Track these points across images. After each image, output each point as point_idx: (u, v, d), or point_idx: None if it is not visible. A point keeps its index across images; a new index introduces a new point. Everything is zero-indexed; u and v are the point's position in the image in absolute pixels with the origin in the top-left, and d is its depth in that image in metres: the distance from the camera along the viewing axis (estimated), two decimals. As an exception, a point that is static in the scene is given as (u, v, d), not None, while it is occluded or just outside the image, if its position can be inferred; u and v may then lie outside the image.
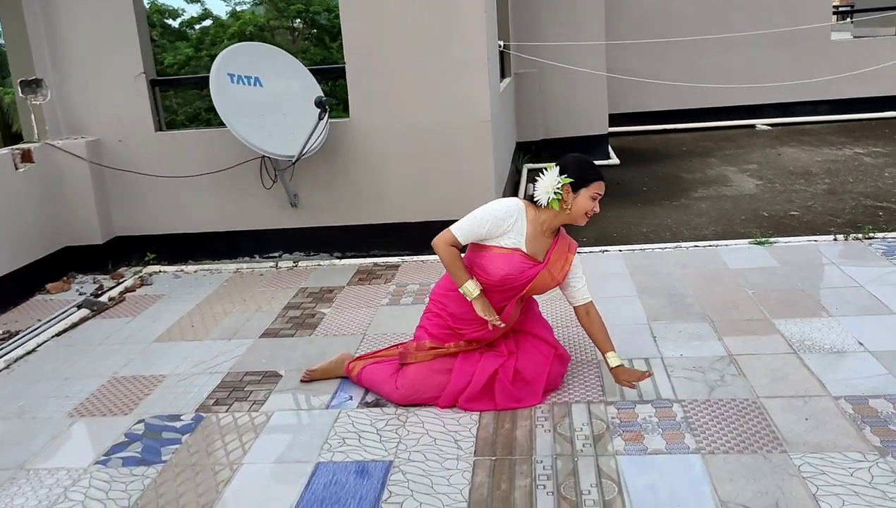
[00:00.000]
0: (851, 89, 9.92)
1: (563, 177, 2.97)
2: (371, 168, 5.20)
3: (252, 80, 4.78)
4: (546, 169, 3.03)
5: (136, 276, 5.19)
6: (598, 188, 2.99)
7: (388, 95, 5.06)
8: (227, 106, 4.57)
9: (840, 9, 13.31)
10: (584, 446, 2.76)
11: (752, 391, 3.06)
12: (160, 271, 5.33)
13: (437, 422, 3.02)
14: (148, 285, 5.08)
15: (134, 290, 4.98)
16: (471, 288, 2.99)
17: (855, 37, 12.19)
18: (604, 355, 3.12)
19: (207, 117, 12.42)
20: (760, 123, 10.17)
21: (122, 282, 5.09)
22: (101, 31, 5.17)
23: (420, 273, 4.91)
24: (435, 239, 3.03)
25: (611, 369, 3.07)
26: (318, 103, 4.56)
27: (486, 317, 3.01)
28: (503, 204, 3.03)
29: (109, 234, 5.39)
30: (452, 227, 3.02)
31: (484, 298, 3.02)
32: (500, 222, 2.98)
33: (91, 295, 4.89)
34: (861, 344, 3.40)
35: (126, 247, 5.45)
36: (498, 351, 3.18)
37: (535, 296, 3.35)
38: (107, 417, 3.28)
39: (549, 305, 4.12)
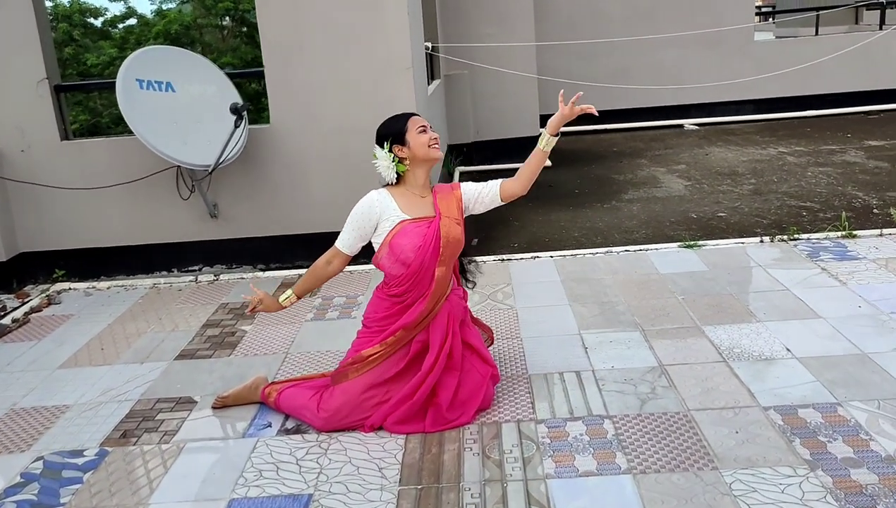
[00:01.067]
0: (774, 89, 10.13)
1: (386, 146, 2.99)
2: (294, 175, 5.00)
3: (164, 86, 4.53)
4: (374, 155, 3.04)
5: (44, 295, 4.87)
6: (414, 124, 2.99)
7: (309, 99, 4.87)
8: (137, 113, 4.31)
9: (763, 9, 13.62)
10: (513, 470, 2.65)
11: (682, 403, 3.00)
12: (70, 289, 5.02)
13: (360, 448, 2.87)
14: (56, 304, 4.77)
15: (40, 310, 4.67)
16: (287, 294, 3.17)
17: (777, 37, 12.50)
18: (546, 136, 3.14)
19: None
20: (688, 123, 10.31)
21: (28, 302, 4.77)
22: (2, 37, 4.82)
23: (347, 285, 4.74)
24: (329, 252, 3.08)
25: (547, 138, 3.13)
26: (234, 109, 4.34)
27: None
28: (362, 200, 3.00)
29: (13, 250, 5.05)
30: (340, 240, 3.04)
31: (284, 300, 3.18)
32: (366, 215, 2.96)
33: (-8, 316, 4.56)
34: (788, 350, 3.38)
35: (32, 264, 5.12)
36: (438, 364, 2.96)
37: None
38: (2, 455, 3.01)
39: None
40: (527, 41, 8.22)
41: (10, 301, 4.84)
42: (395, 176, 3.00)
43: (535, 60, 8.43)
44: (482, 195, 3.09)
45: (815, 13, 10.82)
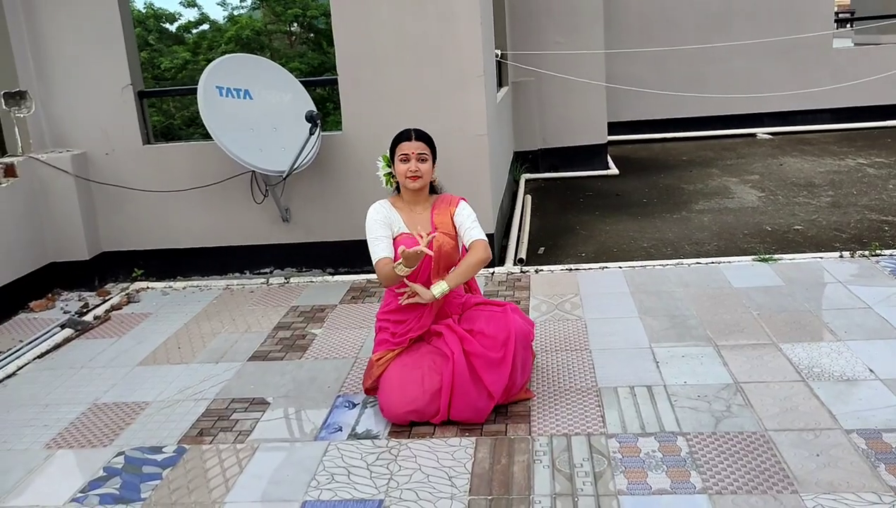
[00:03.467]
0: (852, 98, 9.80)
1: (384, 156, 3.29)
2: (364, 181, 5.05)
3: (242, 93, 4.65)
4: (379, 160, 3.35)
5: (123, 293, 5.05)
6: (400, 150, 3.17)
7: (381, 108, 4.93)
8: (216, 120, 4.44)
9: (840, 16, 13.20)
10: (584, 484, 2.62)
11: (759, 423, 2.92)
12: (148, 288, 5.19)
13: (430, 456, 2.88)
14: (135, 302, 4.94)
15: (120, 308, 4.84)
16: (397, 267, 3.04)
17: (856, 44, 12.08)
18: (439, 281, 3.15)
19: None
20: (761, 132, 10.05)
21: (109, 300, 4.95)
22: (86, 42, 5.04)
23: (415, 290, 4.76)
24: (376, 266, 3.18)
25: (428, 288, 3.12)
26: (309, 118, 4.43)
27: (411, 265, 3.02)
28: (371, 212, 3.23)
29: (96, 250, 5.25)
30: (373, 255, 3.19)
31: (405, 262, 3.02)
32: (377, 223, 3.18)
33: (76, 313, 4.75)
34: (872, 371, 3.27)
35: (113, 263, 5.31)
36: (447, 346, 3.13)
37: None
38: (85, 449, 3.13)
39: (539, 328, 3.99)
40: (596, 48, 8.15)
41: (92, 298, 5.03)
42: (385, 186, 3.30)
43: (604, 68, 8.35)
44: (462, 233, 3.23)
45: (894, 21, 10.43)
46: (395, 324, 3.28)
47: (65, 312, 4.81)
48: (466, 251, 3.23)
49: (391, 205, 3.25)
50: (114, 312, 4.77)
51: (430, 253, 2.99)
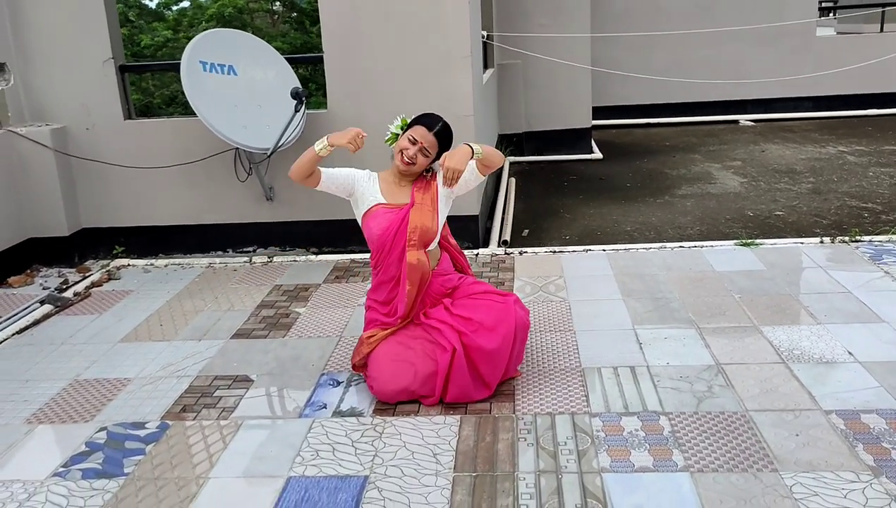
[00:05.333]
0: (834, 86, 9.88)
1: (403, 120, 3.29)
2: (350, 160, 5.00)
3: (226, 69, 4.59)
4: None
5: (104, 270, 5.00)
6: (414, 132, 3.14)
7: (367, 86, 4.90)
8: (200, 95, 4.38)
9: (823, 4, 13.26)
10: (567, 462, 2.65)
11: (740, 403, 2.96)
12: (129, 265, 5.14)
13: (415, 434, 2.89)
14: (116, 279, 4.89)
15: (101, 285, 4.79)
16: (317, 145, 3.09)
17: (838, 33, 12.16)
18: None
19: (184, 100, 12.15)
20: (744, 119, 10.11)
21: (89, 276, 4.90)
22: (67, 14, 4.94)
23: (399, 271, 4.76)
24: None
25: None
26: (295, 94, 4.38)
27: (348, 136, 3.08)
28: (362, 171, 3.32)
29: (76, 226, 5.19)
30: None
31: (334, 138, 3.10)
32: (356, 174, 3.26)
33: (55, 289, 4.69)
34: (851, 353, 3.31)
35: (93, 240, 5.25)
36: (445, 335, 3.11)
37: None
38: (67, 424, 3.11)
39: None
40: (582, 32, 8.13)
41: (71, 275, 4.98)
42: (386, 138, 3.30)
43: (590, 52, 8.33)
44: (464, 179, 3.19)
45: (880, 9, 10.49)
46: (381, 305, 3.28)
47: (44, 288, 4.75)
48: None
49: (377, 177, 3.29)
50: (94, 289, 4.73)
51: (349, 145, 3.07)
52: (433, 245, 3.26)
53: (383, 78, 4.87)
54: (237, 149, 4.81)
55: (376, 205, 3.20)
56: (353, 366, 3.32)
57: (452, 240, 3.47)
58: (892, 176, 6.72)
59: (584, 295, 4.19)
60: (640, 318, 3.84)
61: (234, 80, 4.62)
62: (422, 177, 3.28)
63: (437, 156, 3.20)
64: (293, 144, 4.73)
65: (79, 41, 4.98)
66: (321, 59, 4.93)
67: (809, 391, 3.02)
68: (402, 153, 3.16)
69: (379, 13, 4.78)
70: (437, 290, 3.29)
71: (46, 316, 4.30)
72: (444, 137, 3.22)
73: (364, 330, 3.32)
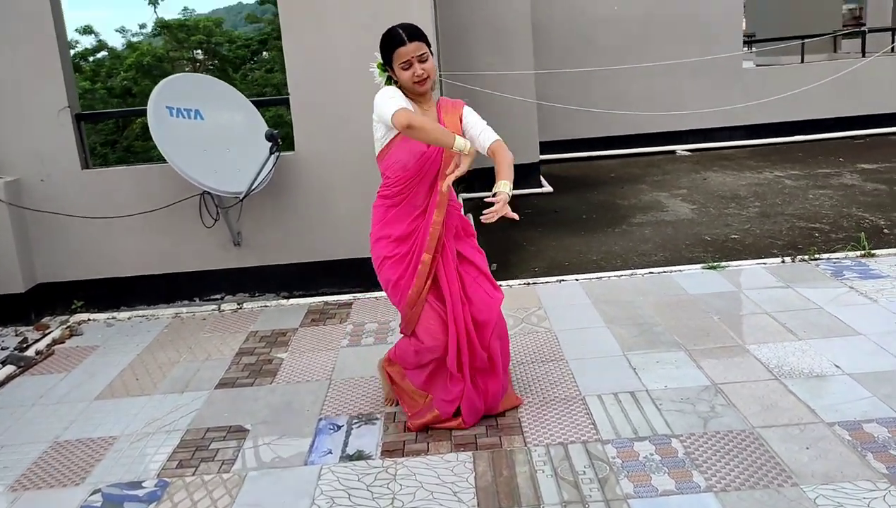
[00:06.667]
0: (764, 115, 10.34)
1: (378, 63, 3.02)
2: (319, 202, 4.99)
3: (192, 113, 4.51)
4: (374, 65, 3.06)
5: (65, 326, 4.77)
6: (399, 58, 2.90)
7: (334, 126, 4.87)
8: (168, 141, 4.28)
9: (750, 39, 13.96)
10: (591, 491, 2.64)
11: (745, 421, 3.01)
12: (89, 320, 4.93)
13: (430, 473, 2.83)
14: (78, 335, 4.67)
15: (63, 342, 4.57)
16: (462, 144, 2.80)
17: (757, 65, 12.78)
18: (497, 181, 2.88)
19: (103, 152, 11.74)
20: (681, 149, 10.48)
21: (49, 334, 4.67)
22: (21, 63, 4.78)
23: (375, 311, 4.71)
24: (394, 119, 2.79)
25: (493, 194, 2.85)
26: (270, 137, 4.33)
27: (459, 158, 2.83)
28: (383, 90, 2.95)
29: (32, 281, 4.95)
30: (389, 110, 2.81)
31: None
32: (396, 94, 2.89)
33: (15, 349, 4.45)
34: (837, 366, 3.43)
35: (51, 295, 5.02)
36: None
37: None
38: (56, 489, 2.93)
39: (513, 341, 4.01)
40: (525, 69, 8.32)
41: (29, 333, 4.74)
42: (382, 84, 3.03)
43: (534, 88, 8.52)
44: (475, 138, 3.01)
45: (799, 41, 11.09)
46: (398, 243, 3.08)
47: (2, 349, 4.50)
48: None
49: (403, 95, 2.95)
50: (57, 346, 4.50)
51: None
52: None
53: (349, 116, 4.86)
54: (203, 194, 4.71)
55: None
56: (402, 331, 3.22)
57: None
58: (831, 197, 7.05)
59: (568, 325, 4.23)
60: (628, 344, 3.89)
61: (202, 125, 4.54)
62: (442, 100, 3.10)
63: (430, 50, 2.99)
64: (266, 188, 4.65)
65: (33, 90, 4.81)
66: (287, 101, 4.89)
67: (808, 404, 3.10)
68: (413, 79, 2.90)
69: (344, 52, 4.79)
70: (453, 220, 3.15)
71: (10, 378, 4.07)
72: (417, 33, 2.94)
73: (380, 269, 3.13)
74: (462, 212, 3.28)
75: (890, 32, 12.13)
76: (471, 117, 3.06)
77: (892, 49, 11.18)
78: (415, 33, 2.92)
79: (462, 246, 3.18)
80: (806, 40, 11.17)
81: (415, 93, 2.96)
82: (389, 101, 2.83)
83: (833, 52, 12.79)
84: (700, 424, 3.02)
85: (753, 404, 3.14)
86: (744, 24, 13.67)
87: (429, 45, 2.97)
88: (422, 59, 2.91)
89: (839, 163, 8.75)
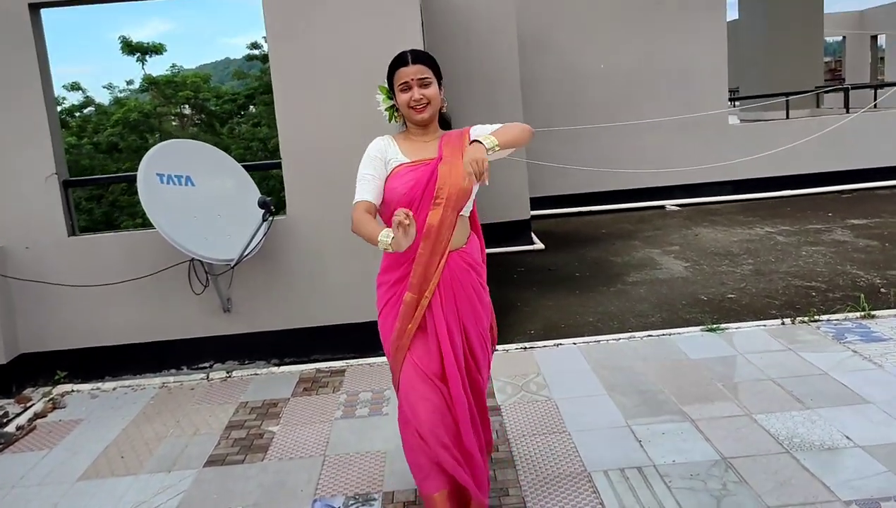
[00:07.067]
0: (751, 170, 10.42)
1: (381, 87, 2.84)
2: (311, 266, 4.89)
3: (183, 179, 4.43)
4: (378, 91, 2.87)
5: (47, 399, 4.61)
6: (399, 78, 2.71)
7: (327, 189, 4.81)
8: (158, 208, 4.20)
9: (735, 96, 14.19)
10: (604, 581, 2.50)
11: (760, 500, 2.90)
12: (73, 390, 4.76)
13: (432, 562, 2.68)
14: (61, 408, 4.51)
15: (45, 416, 4.40)
16: (384, 238, 2.43)
17: (742, 120, 12.95)
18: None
19: (88, 207, 11.60)
20: (670, 204, 10.51)
21: (31, 407, 4.51)
22: (7, 128, 4.70)
23: (369, 378, 4.58)
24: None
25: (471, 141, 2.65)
26: (262, 204, 4.26)
27: (403, 239, 2.38)
28: (369, 146, 2.78)
29: (14, 352, 4.80)
30: (355, 194, 2.70)
31: (398, 239, 2.38)
32: (369, 159, 2.73)
33: (-6, 424, 4.28)
34: (849, 438, 3.33)
35: (33, 365, 4.86)
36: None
37: None
38: (34, 585, 2.76)
39: (513, 413, 3.89)
40: (516, 127, 8.34)
41: (11, 406, 4.57)
42: (389, 121, 2.87)
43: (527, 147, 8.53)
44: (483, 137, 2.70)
45: (784, 98, 11.26)
46: (396, 286, 2.78)
47: (-19, 424, 4.33)
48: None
49: (392, 139, 2.79)
50: (38, 420, 4.34)
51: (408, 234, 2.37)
52: (466, 210, 2.76)
53: (342, 180, 4.75)
54: (191, 261, 4.61)
55: (399, 166, 2.71)
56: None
57: (478, 225, 2.97)
58: (824, 254, 7.04)
59: (568, 393, 4.12)
60: (631, 413, 3.78)
61: (193, 191, 4.46)
62: (448, 133, 2.81)
63: (439, 79, 2.76)
64: (257, 253, 4.56)
65: (19, 155, 4.73)
66: (279, 166, 4.84)
67: (822, 481, 3.00)
68: (410, 103, 2.70)
69: (336, 116, 4.76)
70: (457, 268, 2.74)
71: (-11, 456, 3.90)
72: (423, 56, 2.76)
73: (379, 316, 2.86)
74: (481, 264, 2.89)
75: (872, 89, 12.33)
76: (478, 130, 2.78)
77: (875, 105, 11.35)
78: (420, 56, 2.74)
79: (471, 324, 2.79)
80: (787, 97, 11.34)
81: (413, 120, 2.76)
82: (358, 182, 2.70)
83: (816, 106, 13.01)
84: (713, 504, 2.90)
85: (766, 480, 3.03)
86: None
87: (437, 74, 2.75)
88: (423, 84, 2.70)
89: (829, 218, 8.78)
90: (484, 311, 2.86)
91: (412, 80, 2.69)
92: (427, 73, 2.71)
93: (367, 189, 2.69)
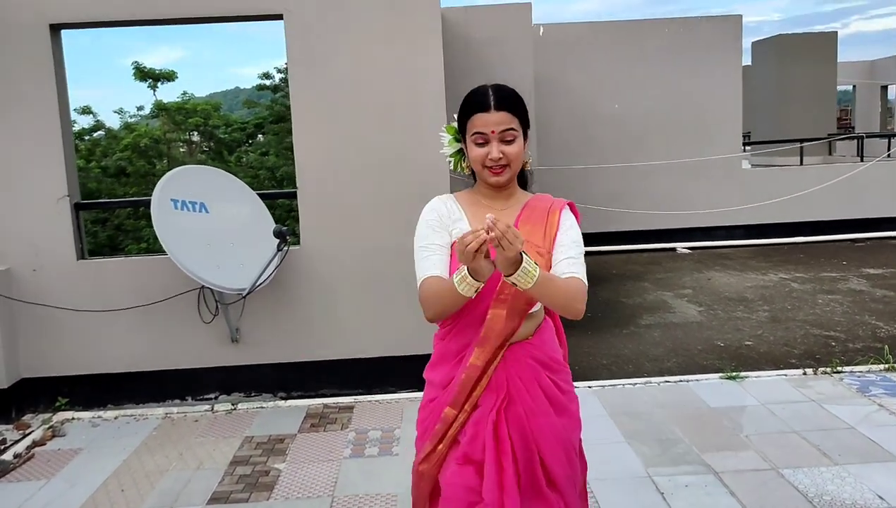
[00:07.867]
0: (764, 215, 10.35)
1: (449, 127, 2.20)
2: (323, 298, 4.79)
3: (197, 206, 4.36)
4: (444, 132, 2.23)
5: (47, 426, 4.47)
6: (474, 127, 2.05)
7: (342, 221, 4.73)
8: (171, 234, 4.11)
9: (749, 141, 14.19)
10: None
11: (792, 562, 2.76)
12: (73, 418, 4.63)
13: None
14: (60, 436, 4.37)
15: (44, 444, 4.27)
16: (457, 282, 1.87)
17: (753, 165, 12.92)
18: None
19: (94, 229, 11.53)
20: (681, 247, 10.42)
21: (30, 434, 4.37)
22: (20, 149, 4.63)
23: (378, 415, 4.45)
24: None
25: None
26: (278, 233, 4.17)
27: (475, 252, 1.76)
28: (423, 212, 2.17)
29: (15, 376, 4.68)
30: (417, 271, 2.08)
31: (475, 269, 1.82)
32: (428, 225, 2.11)
33: (-9, 451, 4.15)
34: (882, 498, 3.19)
35: (34, 391, 4.73)
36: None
37: None
38: None
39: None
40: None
41: (9, 432, 4.44)
42: (455, 171, 2.24)
43: (537, 183, 8.48)
44: (555, 264, 2.08)
45: (798, 144, 11.23)
46: (438, 388, 2.15)
47: (-23, 450, 4.20)
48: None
49: (454, 200, 2.18)
50: (37, 448, 4.20)
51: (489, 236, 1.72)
52: (536, 306, 2.14)
53: (358, 212, 4.73)
54: (201, 289, 4.51)
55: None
56: None
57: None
58: (841, 303, 6.93)
59: (586, 439, 3.92)
60: (652, 462, 3.64)
61: (206, 218, 4.38)
62: (533, 198, 2.18)
63: (526, 130, 2.11)
64: (269, 283, 4.47)
65: (31, 177, 4.65)
66: (294, 195, 4.76)
67: (857, 543, 2.86)
68: (486, 162, 2.06)
69: (353, 146, 4.69)
70: (520, 366, 2.10)
71: (-16, 485, 3.76)
72: (510, 101, 2.07)
73: (418, 453, 2.17)
74: (558, 361, 2.29)
75: (886, 138, 12.31)
76: (569, 232, 2.14)
77: (888, 155, 11.32)
78: (506, 101, 2.05)
79: (547, 446, 2.12)
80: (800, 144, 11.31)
81: (486, 182, 2.12)
82: (418, 254, 2.10)
83: (828, 154, 12.99)
84: (742, 564, 2.76)
85: (797, 541, 2.90)
86: (739, 125, 13.88)
87: (524, 124, 2.09)
88: (505, 139, 2.04)
89: (843, 266, 8.67)
90: (572, 429, 2.23)
91: (492, 132, 2.04)
92: (513, 123, 2.05)
93: (433, 262, 2.06)
